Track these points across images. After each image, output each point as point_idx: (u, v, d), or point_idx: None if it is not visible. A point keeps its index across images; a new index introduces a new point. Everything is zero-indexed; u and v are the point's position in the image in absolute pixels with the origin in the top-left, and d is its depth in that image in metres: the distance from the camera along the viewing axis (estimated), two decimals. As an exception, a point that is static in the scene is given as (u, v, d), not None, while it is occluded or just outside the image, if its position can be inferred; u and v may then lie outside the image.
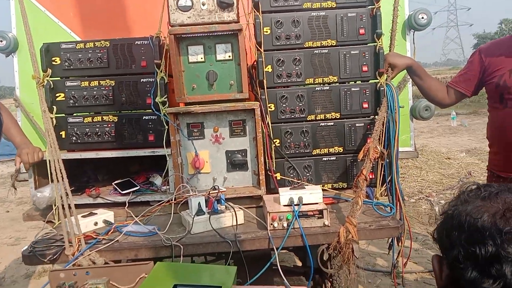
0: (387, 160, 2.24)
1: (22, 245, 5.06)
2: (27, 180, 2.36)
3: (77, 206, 2.05)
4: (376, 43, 2.29)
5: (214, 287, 1.39)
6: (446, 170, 6.99)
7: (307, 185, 2.21)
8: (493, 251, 0.78)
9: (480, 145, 9.07)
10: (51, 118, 2.22)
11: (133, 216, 2.07)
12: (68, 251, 1.78)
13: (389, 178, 2.28)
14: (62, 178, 1.98)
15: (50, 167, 2.07)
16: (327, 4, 2.27)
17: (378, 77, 2.29)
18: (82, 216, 2.03)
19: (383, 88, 2.26)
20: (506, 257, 0.77)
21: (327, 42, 2.28)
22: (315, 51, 2.27)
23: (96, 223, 2.05)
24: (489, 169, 2.37)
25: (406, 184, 6.21)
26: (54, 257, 1.80)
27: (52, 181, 2.10)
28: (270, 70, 2.27)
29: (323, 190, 2.06)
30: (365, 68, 2.29)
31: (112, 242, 1.84)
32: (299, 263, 3.29)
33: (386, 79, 2.29)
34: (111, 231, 1.94)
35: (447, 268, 0.87)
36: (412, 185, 6.19)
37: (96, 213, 2.10)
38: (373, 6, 2.27)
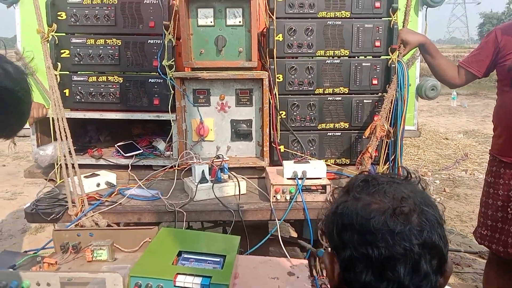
0: (392, 139, 2.23)
1: (19, 200, 5.10)
2: (28, 136, 2.33)
3: (80, 166, 2.04)
4: (390, 18, 2.23)
5: (219, 255, 1.40)
6: (443, 150, 7.03)
7: (310, 159, 2.20)
8: (386, 253, 0.77)
9: (478, 127, 9.10)
10: (55, 75, 2.17)
11: (137, 179, 2.06)
12: (71, 211, 1.78)
13: (393, 156, 2.28)
14: (66, 137, 1.95)
15: (53, 125, 2.05)
16: (344, -26, 2.19)
17: (390, 53, 2.25)
18: (85, 177, 2.03)
19: (394, 65, 2.22)
20: (398, 258, 0.77)
21: (341, 14, 2.21)
22: (328, 22, 2.21)
23: (98, 184, 2.04)
24: (491, 153, 2.37)
25: (403, 162, 6.24)
26: (57, 216, 1.80)
27: (55, 139, 2.09)
28: (281, 39, 2.21)
29: (325, 165, 2.05)
30: (377, 43, 2.24)
31: (116, 204, 1.84)
32: (293, 233, 3.35)
33: (397, 56, 2.25)
34: (115, 193, 1.94)
35: (339, 267, 0.85)
36: (408, 163, 6.23)
37: (99, 174, 2.09)
38: (391, -21, 2.20)
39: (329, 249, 0.89)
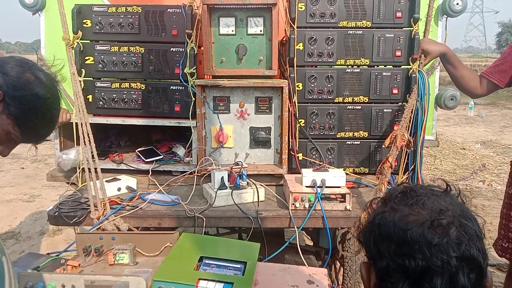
0: (412, 149, 2.22)
1: (37, 203, 5.19)
2: (48, 140, 2.37)
3: (101, 170, 2.07)
4: (412, 28, 2.23)
5: (239, 262, 1.41)
6: (460, 160, 6.94)
7: (329, 167, 2.21)
8: (423, 265, 0.77)
9: (496, 138, 8.96)
10: (80, 81, 2.22)
11: (158, 185, 2.09)
12: (94, 215, 1.81)
13: (412, 166, 2.27)
14: (90, 142, 1.99)
15: (77, 130, 2.09)
16: (366, -17, 2.20)
17: (411, 63, 2.24)
18: (106, 181, 2.06)
19: (415, 75, 2.21)
20: (435, 270, 0.76)
21: (362, 23, 2.22)
22: (349, 32, 2.22)
23: (119, 189, 2.08)
24: (512, 164, 2.34)
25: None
26: (80, 219, 1.84)
27: (78, 144, 2.13)
28: (301, 48, 2.23)
29: (345, 173, 2.05)
30: (398, 53, 2.24)
31: (137, 209, 1.87)
32: (308, 241, 3.34)
33: (418, 66, 2.24)
34: (136, 197, 1.97)
35: (375, 277, 0.85)
36: (424, 173, 6.13)
37: (120, 179, 2.13)
38: (413, -11, 2.20)
39: (366, 259, 0.90)
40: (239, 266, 1.41)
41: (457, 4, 2.49)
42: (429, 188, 0.88)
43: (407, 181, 2.31)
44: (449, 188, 0.89)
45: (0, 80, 1.19)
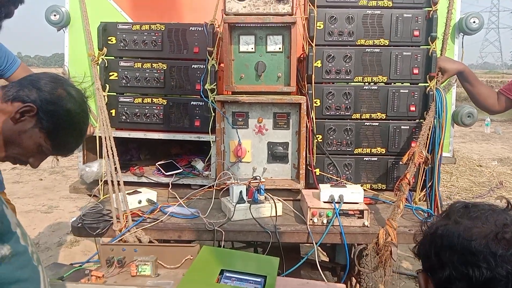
0: (430, 166, 2.23)
1: (55, 214, 5.27)
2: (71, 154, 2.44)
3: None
4: (429, 46, 2.25)
5: (260, 275, 1.43)
6: (477, 177, 6.85)
7: (347, 183, 2.22)
8: (488, 274, 0.79)
9: (513, 155, 8.82)
10: (104, 96, 2.29)
11: (178, 198, 2.13)
12: (116, 227, 1.86)
13: (430, 183, 2.27)
14: (113, 155, 2.05)
15: (100, 143, 2.15)
16: (383, 3, 2.25)
17: (428, 81, 2.27)
18: (127, 194, 2.11)
19: (432, 93, 2.23)
20: (500, 280, 0.78)
21: (380, 41, 2.26)
22: (366, 49, 2.26)
23: (140, 201, 2.12)
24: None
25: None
26: (102, 231, 1.88)
27: (101, 156, 2.19)
28: (319, 65, 2.27)
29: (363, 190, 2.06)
30: (415, 71, 2.27)
31: (157, 221, 1.91)
32: (323, 257, 3.33)
33: (435, 83, 2.26)
34: (156, 210, 2.01)
35: (433, 286, 0.88)
36: (441, 190, 6.05)
37: (140, 192, 2.17)
38: (430, 9, 2.24)
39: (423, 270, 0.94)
40: (259, 280, 1.43)
41: (474, 22, 2.51)
42: (490, 204, 0.91)
43: (425, 198, 2.31)
44: (510, 205, 0.91)
45: (34, 95, 1.25)
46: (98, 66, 2.33)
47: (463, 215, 0.88)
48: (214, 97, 2.25)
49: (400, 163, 2.19)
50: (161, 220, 1.93)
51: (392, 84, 2.30)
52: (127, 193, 2.10)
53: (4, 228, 0.79)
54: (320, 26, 2.25)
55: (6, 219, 0.80)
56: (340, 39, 2.26)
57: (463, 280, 0.82)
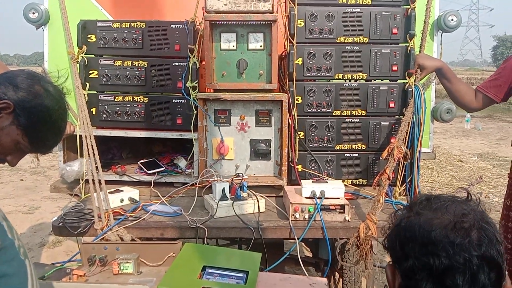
0: (409, 161, 2.27)
1: (36, 214, 5.20)
2: (50, 152, 2.41)
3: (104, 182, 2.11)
4: (408, 44, 2.29)
5: (241, 271, 1.45)
6: (458, 173, 6.99)
7: (328, 179, 2.25)
8: (446, 263, 0.82)
9: (493, 150, 9.03)
10: (84, 94, 2.27)
11: (160, 196, 2.13)
12: (98, 225, 1.85)
13: (409, 178, 2.32)
14: (94, 154, 2.03)
15: (81, 142, 2.13)
16: (363, 0, 2.28)
17: (407, 78, 2.31)
18: (109, 192, 2.09)
19: (411, 89, 2.28)
20: (457, 268, 0.82)
21: (360, 39, 2.29)
22: (346, 47, 2.29)
23: (122, 200, 2.11)
24: (510, 176, 2.38)
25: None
26: (84, 230, 1.87)
27: (81, 155, 2.17)
28: (300, 62, 2.29)
29: (344, 185, 2.09)
30: (394, 68, 2.30)
31: (139, 220, 1.91)
32: (307, 253, 3.36)
33: (414, 80, 2.31)
34: (138, 209, 2.00)
35: (400, 277, 0.91)
36: (422, 185, 6.17)
37: (122, 190, 2.16)
38: (408, 6, 2.28)
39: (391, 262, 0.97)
40: (241, 275, 1.44)
41: (452, 20, 2.56)
42: (451, 196, 0.94)
43: (404, 193, 2.36)
44: (470, 196, 0.95)
45: (11, 92, 1.24)
46: (78, 64, 2.31)
47: (425, 207, 0.92)
48: (196, 95, 2.25)
49: (380, 158, 2.24)
50: (144, 218, 1.93)
51: (372, 81, 2.34)
52: (109, 192, 2.09)
53: None
54: (300, 24, 2.26)
55: None
56: (320, 36, 2.28)
57: (425, 269, 0.85)
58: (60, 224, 1.90)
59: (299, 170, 2.34)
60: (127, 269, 1.56)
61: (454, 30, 2.60)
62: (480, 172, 7.00)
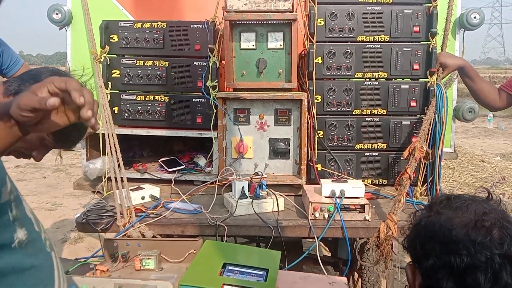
0: (431, 161, 2.25)
1: (59, 211, 5.32)
2: (73, 150, 2.47)
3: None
4: (429, 42, 2.27)
5: (262, 269, 1.45)
6: (479, 173, 6.85)
7: (348, 178, 2.24)
8: (468, 261, 0.82)
9: (516, 150, 8.82)
10: (106, 93, 2.31)
11: (181, 194, 2.15)
12: (120, 222, 1.88)
13: (431, 178, 2.29)
14: (116, 152, 2.07)
15: (103, 140, 2.18)
16: (384, -1, 2.26)
17: (429, 76, 2.28)
18: (131, 190, 2.13)
19: (432, 88, 2.25)
20: (479, 266, 0.81)
21: (380, 38, 2.27)
22: (367, 46, 2.27)
23: (143, 197, 2.14)
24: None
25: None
26: (106, 226, 1.91)
27: (104, 153, 2.22)
28: (320, 61, 2.29)
29: (364, 184, 2.08)
30: (416, 66, 2.28)
31: (161, 217, 1.93)
32: (325, 252, 3.35)
33: (436, 79, 2.28)
34: (159, 206, 2.03)
35: (420, 277, 0.91)
36: (443, 185, 6.06)
37: (144, 188, 2.20)
38: (430, 4, 2.25)
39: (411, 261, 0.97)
40: (261, 273, 1.45)
41: (475, 17, 2.52)
42: (472, 195, 0.94)
43: (426, 193, 2.33)
44: (490, 196, 0.94)
45: None
46: (100, 64, 2.35)
47: (445, 206, 0.91)
48: (215, 94, 2.27)
49: (401, 158, 2.21)
50: (164, 216, 1.96)
51: (393, 80, 2.31)
52: (131, 189, 2.13)
53: (21, 212, 0.80)
54: (320, 23, 2.26)
55: (21, 204, 0.82)
56: (340, 35, 2.27)
57: (446, 268, 0.84)
58: (84, 221, 1.94)
59: (318, 169, 2.34)
60: (149, 265, 1.58)
61: (477, 28, 2.56)
62: (503, 173, 6.84)
